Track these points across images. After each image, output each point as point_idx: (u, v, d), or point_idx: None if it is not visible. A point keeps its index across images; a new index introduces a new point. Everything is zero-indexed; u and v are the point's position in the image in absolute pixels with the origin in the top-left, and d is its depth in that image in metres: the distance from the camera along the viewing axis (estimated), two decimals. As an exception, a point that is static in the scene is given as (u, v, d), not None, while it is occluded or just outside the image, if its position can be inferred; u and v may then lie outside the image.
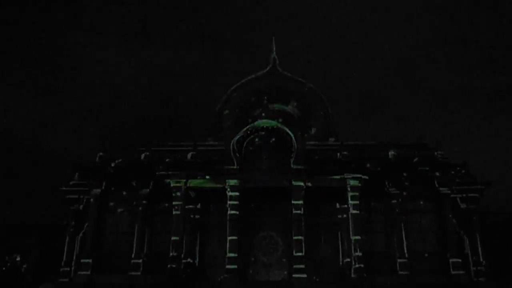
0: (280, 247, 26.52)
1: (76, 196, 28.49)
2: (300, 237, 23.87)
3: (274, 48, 34.56)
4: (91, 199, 26.66)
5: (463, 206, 27.28)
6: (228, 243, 23.95)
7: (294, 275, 23.39)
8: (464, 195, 27.35)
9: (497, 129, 68.30)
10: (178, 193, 24.81)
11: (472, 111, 71.27)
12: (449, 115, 73.33)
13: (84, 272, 24.99)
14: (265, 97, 32.59)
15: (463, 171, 27.03)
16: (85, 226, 27.06)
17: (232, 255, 23.72)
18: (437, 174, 26.04)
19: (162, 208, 26.71)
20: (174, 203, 24.81)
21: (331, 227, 26.62)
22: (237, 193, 24.74)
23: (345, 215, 25.33)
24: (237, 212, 24.50)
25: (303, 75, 35.45)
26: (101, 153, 28.42)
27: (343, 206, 25.41)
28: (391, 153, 27.49)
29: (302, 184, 24.50)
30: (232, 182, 24.72)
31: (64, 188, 28.70)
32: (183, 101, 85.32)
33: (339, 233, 26.37)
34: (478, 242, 26.73)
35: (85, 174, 27.04)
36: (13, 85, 73.29)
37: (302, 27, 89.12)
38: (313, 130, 32.16)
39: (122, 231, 26.46)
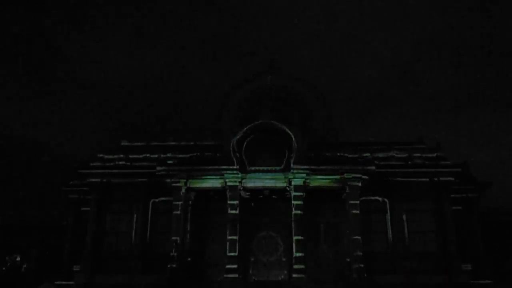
0: (280, 247, 26.50)
1: (76, 196, 28.52)
2: (300, 237, 23.88)
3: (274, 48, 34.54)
4: (91, 199, 26.65)
5: (463, 206, 27.25)
6: (228, 243, 23.96)
7: (294, 275, 23.40)
8: (464, 195, 27.34)
9: (497, 129, 68.31)
10: (178, 193, 24.82)
11: (472, 111, 71.31)
12: (449, 115, 73.32)
13: (84, 272, 25.00)
14: (265, 97, 32.52)
15: (463, 171, 27.01)
16: (85, 226, 27.03)
17: (232, 255, 23.75)
18: (437, 174, 26.03)
19: (162, 208, 26.69)
20: (174, 203, 24.81)
21: (331, 227, 26.59)
22: (237, 193, 24.74)
23: (345, 215, 25.28)
24: (237, 212, 24.50)
25: (303, 75, 35.49)
26: (101, 153, 28.38)
27: (343, 206, 25.38)
28: (391, 153, 27.49)
29: (302, 184, 24.50)
30: (232, 182, 24.72)
31: (64, 188, 28.72)
32: (182, 101, 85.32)
33: (339, 233, 26.34)
34: (478, 242, 26.73)
35: (85, 174, 27.02)
36: (12, 85, 73.30)
37: (302, 27, 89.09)
38: (313, 130, 32.09)
39: (122, 231, 26.42)
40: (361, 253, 23.67)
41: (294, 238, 23.95)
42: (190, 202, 26.22)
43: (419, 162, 26.88)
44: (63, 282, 25.92)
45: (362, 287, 22.96)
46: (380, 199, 26.41)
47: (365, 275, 23.23)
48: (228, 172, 24.70)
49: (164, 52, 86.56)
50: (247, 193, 25.86)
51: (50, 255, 29.65)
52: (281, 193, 25.61)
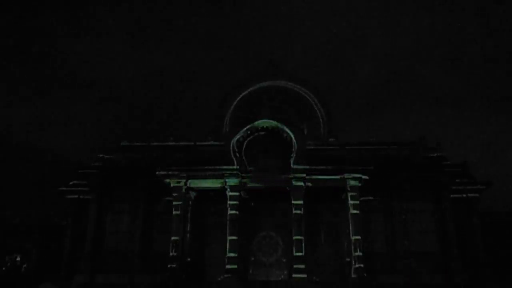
0: (280, 247, 26.52)
1: (76, 196, 28.52)
2: (300, 237, 23.88)
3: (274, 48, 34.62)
4: (91, 199, 26.65)
5: (463, 206, 27.25)
6: (228, 243, 23.97)
7: (294, 275, 23.42)
8: (464, 195, 27.34)
9: (497, 129, 68.33)
10: (178, 193, 24.82)
11: (472, 111, 71.32)
12: (449, 115, 73.33)
13: (84, 272, 25.02)
14: (265, 97, 32.59)
15: (463, 171, 27.00)
16: (85, 226, 27.03)
17: (232, 255, 23.76)
18: (437, 174, 26.02)
19: (162, 208, 26.70)
20: (174, 203, 24.82)
21: (331, 227, 26.61)
22: (237, 193, 24.76)
23: (345, 215, 25.29)
24: (237, 212, 24.52)
25: (303, 75, 35.52)
26: (101, 153, 28.39)
27: (343, 206, 25.39)
28: (391, 153, 27.48)
29: (302, 184, 24.51)
30: (232, 182, 24.73)
31: (64, 188, 28.71)
32: (183, 101, 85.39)
33: (339, 233, 26.35)
34: (478, 242, 26.72)
35: (85, 174, 27.02)
36: (12, 85, 73.33)
37: (302, 27, 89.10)
38: (313, 130, 32.10)
39: (122, 231, 26.45)
40: (361, 253, 23.68)
41: (294, 238, 23.95)
42: (190, 202, 26.24)
43: (419, 162, 26.88)
44: (63, 282, 25.91)
45: (362, 287, 22.96)
46: (380, 199, 26.41)
47: (365, 275, 23.24)
48: (228, 172, 24.71)
49: (164, 52, 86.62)
50: (247, 193, 25.87)
51: (50, 255, 29.62)
52: (281, 193, 25.61)
